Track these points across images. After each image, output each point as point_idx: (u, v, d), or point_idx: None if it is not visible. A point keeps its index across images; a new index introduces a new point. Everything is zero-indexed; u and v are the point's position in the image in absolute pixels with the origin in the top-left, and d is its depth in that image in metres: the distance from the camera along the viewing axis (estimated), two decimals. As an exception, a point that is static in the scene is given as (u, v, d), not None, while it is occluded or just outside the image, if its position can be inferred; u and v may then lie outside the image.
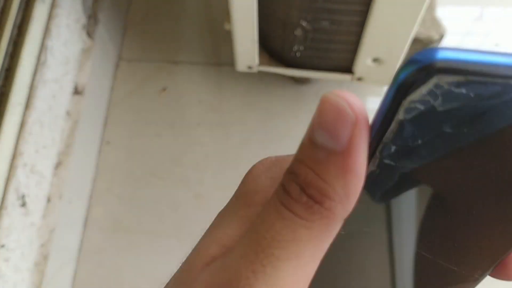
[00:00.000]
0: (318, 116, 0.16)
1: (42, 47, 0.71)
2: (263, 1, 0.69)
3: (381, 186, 0.17)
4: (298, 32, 0.73)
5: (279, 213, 0.17)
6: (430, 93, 0.14)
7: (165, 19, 1.07)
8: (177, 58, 1.03)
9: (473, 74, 0.14)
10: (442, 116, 0.15)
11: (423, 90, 0.14)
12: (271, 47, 0.83)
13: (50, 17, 0.73)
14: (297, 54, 0.79)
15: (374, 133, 0.16)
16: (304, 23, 0.71)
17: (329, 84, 0.98)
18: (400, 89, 0.15)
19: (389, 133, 0.16)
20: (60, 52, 0.76)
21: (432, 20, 0.92)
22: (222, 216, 0.21)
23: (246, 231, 0.18)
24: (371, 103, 0.99)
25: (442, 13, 0.97)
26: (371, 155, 0.16)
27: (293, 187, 0.17)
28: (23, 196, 0.67)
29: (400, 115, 0.15)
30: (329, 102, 0.16)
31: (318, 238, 0.17)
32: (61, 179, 0.77)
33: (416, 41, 0.91)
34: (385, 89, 0.96)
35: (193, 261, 0.19)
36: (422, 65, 0.14)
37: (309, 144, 0.16)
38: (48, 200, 0.74)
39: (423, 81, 0.14)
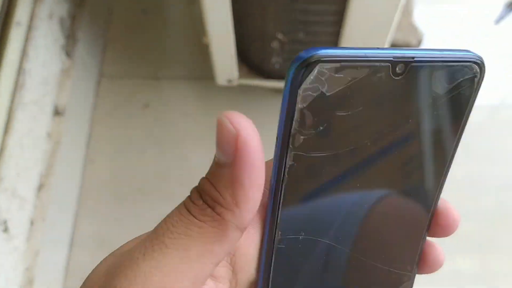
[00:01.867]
0: (216, 136, 0.19)
1: (20, 70, 0.71)
2: (238, 14, 0.70)
3: (304, 180, 0.20)
4: (275, 44, 0.73)
5: (179, 211, 0.20)
6: (317, 80, 0.18)
7: (146, 34, 1.07)
8: (159, 73, 1.03)
9: (345, 61, 0.19)
10: (332, 100, 0.19)
11: (311, 77, 0.18)
12: (250, 60, 0.83)
13: (27, 39, 0.73)
14: (276, 65, 0.79)
15: (283, 127, 0.19)
16: (280, 36, 0.71)
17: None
18: (294, 81, 0.18)
19: (295, 124, 0.19)
20: (38, 74, 0.76)
21: (409, 26, 0.93)
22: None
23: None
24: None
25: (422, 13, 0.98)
26: (285, 150, 0.19)
27: (194, 194, 0.20)
28: (5, 222, 0.66)
29: (299, 104, 0.18)
30: (217, 121, 0.19)
31: (208, 239, 0.19)
32: (44, 201, 0.76)
33: (394, 46, 0.91)
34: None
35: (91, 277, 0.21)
36: (306, 57, 0.18)
37: (213, 162, 0.20)
38: (31, 223, 0.73)
39: (310, 70, 0.18)
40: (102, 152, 0.96)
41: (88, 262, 0.86)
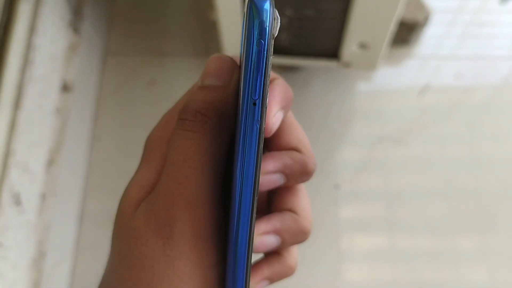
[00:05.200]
0: (207, 68, 0.24)
1: (29, 45, 0.71)
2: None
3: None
4: (283, 20, 0.73)
5: (182, 136, 0.22)
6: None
7: (152, 11, 1.06)
8: (166, 50, 1.03)
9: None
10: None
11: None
12: (258, 36, 0.83)
13: (35, 15, 0.73)
14: (284, 42, 0.79)
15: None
16: (288, 12, 0.71)
17: (316, 71, 0.99)
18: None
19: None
20: (47, 50, 0.76)
21: (416, 2, 0.93)
22: (135, 172, 0.25)
23: (161, 166, 0.24)
24: (359, 87, 0.99)
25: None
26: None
27: (188, 113, 0.23)
28: (18, 195, 0.67)
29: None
30: (216, 58, 0.24)
31: (210, 139, 0.22)
32: (54, 176, 0.77)
33: (401, 24, 0.91)
34: (372, 73, 0.96)
35: (122, 210, 0.23)
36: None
37: (198, 88, 0.23)
38: (43, 197, 0.74)
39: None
40: (108, 128, 0.97)
41: (97, 236, 0.88)
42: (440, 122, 0.96)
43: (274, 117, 0.23)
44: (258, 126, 0.20)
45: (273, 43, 0.21)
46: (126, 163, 0.95)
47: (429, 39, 1.03)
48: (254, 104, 0.20)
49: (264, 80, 0.20)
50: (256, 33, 0.19)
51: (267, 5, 0.20)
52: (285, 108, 0.24)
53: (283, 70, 0.97)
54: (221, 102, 0.23)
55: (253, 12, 0.19)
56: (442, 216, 0.89)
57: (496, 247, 0.87)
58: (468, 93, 0.98)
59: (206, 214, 0.22)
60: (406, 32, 0.96)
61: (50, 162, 0.77)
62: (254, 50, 0.20)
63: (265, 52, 0.20)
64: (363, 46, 0.76)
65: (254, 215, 0.22)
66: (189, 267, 0.21)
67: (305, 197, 0.26)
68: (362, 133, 0.96)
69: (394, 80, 1.00)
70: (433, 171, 0.93)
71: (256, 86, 0.20)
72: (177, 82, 1.00)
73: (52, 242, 0.77)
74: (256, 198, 0.22)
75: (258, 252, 0.25)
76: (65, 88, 0.83)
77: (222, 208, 0.23)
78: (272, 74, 0.25)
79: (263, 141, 0.21)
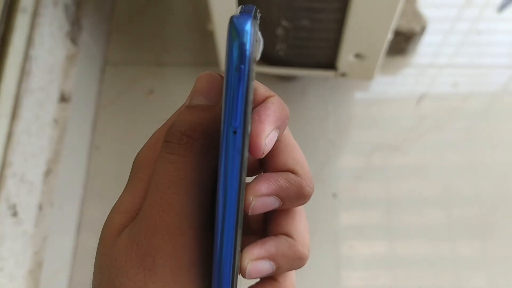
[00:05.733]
0: (196, 87, 0.23)
1: (26, 57, 0.72)
2: (243, 1, 0.70)
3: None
4: (279, 31, 0.74)
5: (166, 159, 0.21)
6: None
7: (150, 21, 1.07)
8: (164, 60, 1.04)
9: None
10: None
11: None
12: (255, 46, 0.83)
13: (32, 26, 0.73)
14: (280, 52, 0.80)
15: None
16: (284, 22, 0.72)
17: (314, 80, 0.99)
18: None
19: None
20: (44, 61, 0.76)
21: (413, 13, 0.93)
22: (120, 195, 0.24)
23: (146, 190, 0.22)
24: (356, 96, 1.00)
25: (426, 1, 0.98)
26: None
27: (173, 135, 0.21)
28: (14, 206, 0.67)
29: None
30: (205, 75, 0.23)
31: (200, 162, 0.21)
32: (51, 186, 0.78)
33: (398, 33, 0.92)
34: (370, 82, 0.96)
35: (104, 237, 0.23)
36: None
37: (186, 108, 0.22)
38: (40, 208, 0.75)
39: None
40: (107, 138, 0.97)
41: (96, 245, 0.88)
42: (437, 130, 0.96)
43: (267, 138, 0.21)
44: (240, 156, 0.19)
45: (254, 67, 0.19)
46: (125, 172, 0.94)
47: (426, 48, 1.03)
48: (235, 132, 0.19)
49: (245, 107, 0.19)
50: (235, 56, 0.18)
51: (248, 26, 0.18)
52: (280, 127, 0.23)
53: (280, 80, 0.97)
54: (209, 122, 0.22)
55: (232, 34, 0.18)
56: (441, 223, 0.89)
57: (495, 253, 0.87)
58: (465, 101, 0.98)
59: (190, 242, 0.21)
60: (403, 42, 0.96)
61: (48, 173, 0.77)
62: (233, 76, 0.18)
63: (245, 78, 0.18)
64: (359, 56, 0.77)
65: (238, 247, 0.21)
66: None
67: (302, 220, 0.25)
68: (359, 142, 0.96)
69: (391, 88, 1.01)
70: (430, 178, 0.93)
71: (237, 114, 0.19)
72: (176, 92, 1.01)
73: (50, 253, 0.77)
74: (239, 230, 0.21)
75: (252, 278, 0.23)
76: (63, 98, 0.83)
77: (210, 234, 0.21)
78: (267, 91, 0.24)
79: (246, 170, 0.20)
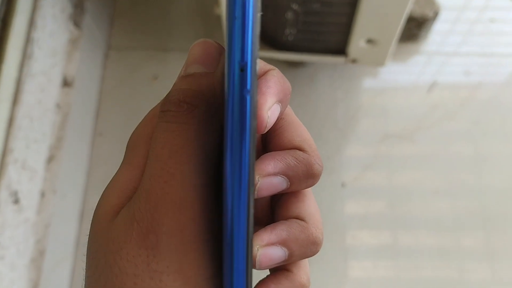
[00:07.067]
0: (191, 55, 0.21)
1: (28, 39, 0.70)
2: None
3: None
4: (289, 15, 0.71)
5: (165, 128, 0.19)
6: None
7: (154, 5, 1.04)
8: (168, 45, 1.01)
9: None
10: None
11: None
12: (264, 31, 0.81)
13: (34, 8, 0.71)
14: (289, 37, 0.77)
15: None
16: (294, 6, 0.69)
17: (323, 66, 0.97)
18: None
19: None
20: (46, 44, 0.74)
21: (426, -2, 0.91)
22: (115, 174, 0.22)
23: (143, 165, 0.20)
24: (366, 84, 0.97)
25: (436, -11, 0.95)
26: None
27: (171, 104, 0.20)
28: (15, 193, 0.66)
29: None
30: (200, 42, 0.21)
31: (199, 129, 0.19)
32: (54, 173, 0.76)
33: (410, 19, 0.89)
34: (380, 70, 0.94)
35: (98, 218, 0.21)
36: None
37: (181, 78, 0.21)
38: (42, 195, 0.73)
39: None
40: (110, 124, 0.95)
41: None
42: (446, 119, 0.94)
43: (270, 110, 0.19)
44: (249, 97, 0.16)
45: None
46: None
47: (438, 35, 1.00)
48: (242, 70, 0.16)
49: (253, 38, 0.16)
50: None
51: None
52: (282, 101, 0.21)
53: (288, 66, 0.95)
54: (209, 89, 0.20)
55: None
56: (447, 214, 0.88)
57: (500, 245, 0.86)
58: (475, 90, 0.96)
59: (196, 216, 0.18)
60: (415, 28, 0.93)
61: (50, 159, 0.75)
62: (239, 3, 0.15)
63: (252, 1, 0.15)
64: (371, 41, 0.74)
65: (252, 215, 0.18)
66: (179, 283, 0.18)
67: (313, 203, 0.22)
68: (368, 131, 0.94)
69: (401, 76, 0.98)
70: (438, 169, 0.91)
71: (245, 47, 0.16)
72: (180, 77, 0.98)
73: (52, 241, 0.75)
74: (252, 190, 0.18)
75: (263, 268, 0.20)
76: (66, 83, 0.81)
77: (218, 207, 0.19)
78: (266, 65, 0.21)
79: (256, 122, 0.18)
